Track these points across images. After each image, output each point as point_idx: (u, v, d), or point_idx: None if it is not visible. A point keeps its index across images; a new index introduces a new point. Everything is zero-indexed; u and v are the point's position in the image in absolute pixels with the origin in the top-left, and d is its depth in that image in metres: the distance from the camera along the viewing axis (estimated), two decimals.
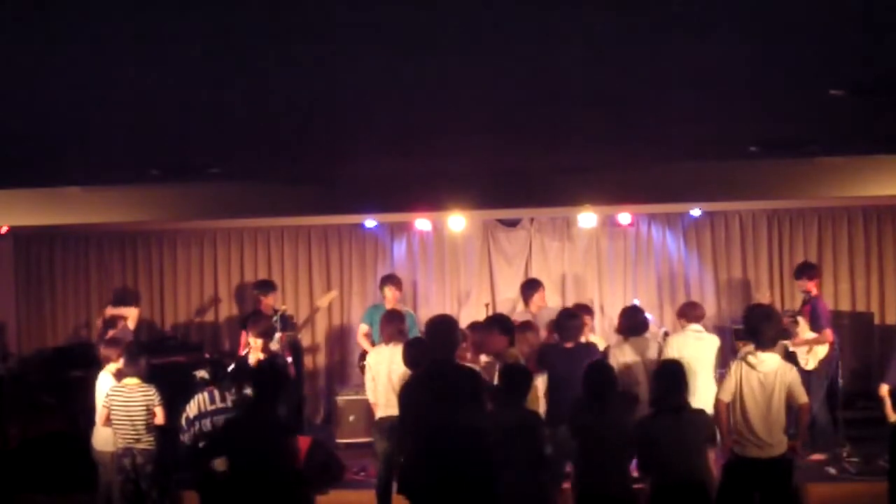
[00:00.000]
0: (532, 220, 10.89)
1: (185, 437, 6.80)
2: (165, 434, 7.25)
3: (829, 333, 8.57)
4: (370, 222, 10.66)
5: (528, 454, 5.81)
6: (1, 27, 3.08)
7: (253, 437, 5.87)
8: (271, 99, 4.42)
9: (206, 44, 3.37)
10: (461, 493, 5.40)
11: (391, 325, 7.48)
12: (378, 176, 7.77)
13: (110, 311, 9.35)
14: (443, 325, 5.95)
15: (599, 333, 9.52)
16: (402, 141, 5.91)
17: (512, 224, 10.94)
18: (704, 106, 4.91)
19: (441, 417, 5.46)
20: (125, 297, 10.35)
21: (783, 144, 6.26)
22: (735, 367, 6.30)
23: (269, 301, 9.54)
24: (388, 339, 7.40)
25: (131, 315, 9.15)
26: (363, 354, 8.84)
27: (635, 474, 6.37)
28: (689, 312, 7.84)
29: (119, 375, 7.27)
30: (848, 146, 6.89)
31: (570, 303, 9.58)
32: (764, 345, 6.25)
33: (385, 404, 7.23)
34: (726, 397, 6.28)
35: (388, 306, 8.74)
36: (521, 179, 7.90)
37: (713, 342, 7.62)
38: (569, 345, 7.28)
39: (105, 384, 7.33)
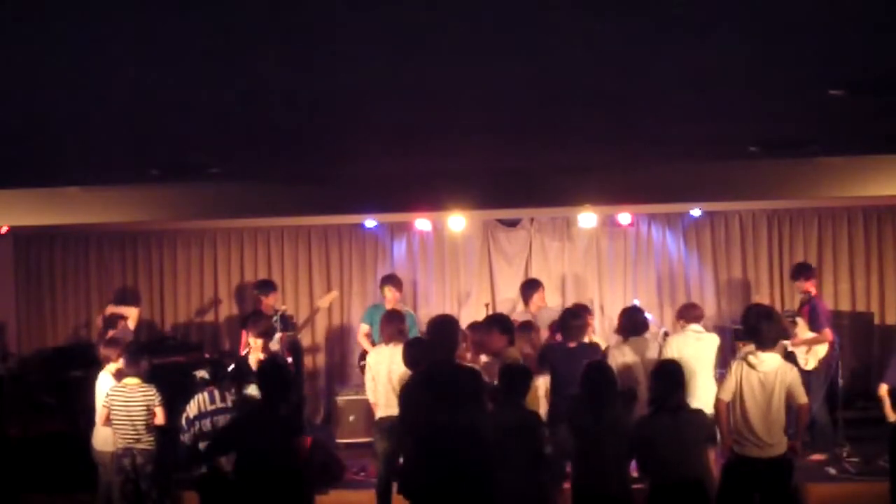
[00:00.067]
0: (532, 220, 10.89)
1: (185, 437, 6.80)
2: (165, 434, 7.25)
3: (828, 333, 8.58)
4: (370, 222, 10.66)
5: (527, 454, 5.81)
6: (1, 27, 3.08)
7: (261, 437, 5.85)
8: (271, 99, 4.42)
9: (206, 44, 3.37)
10: (461, 493, 5.40)
11: (391, 325, 7.49)
12: (378, 176, 7.77)
13: (111, 309, 9.35)
14: (444, 325, 5.96)
15: (599, 333, 9.52)
16: (402, 141, 5.91)
17: (512, 224, 10.94)
18: (704, 106, 4.91)
19: (441, 417, 5.46)
20: (126, 297, 10.37)
21: (783, 144, 6.26)
22: (735, 366, 6.31)
23: (270, 301, 9.54)
24: (388, 339, 7.41)
25: (132, 315, 9.15)
26: (363, 354, 8.84)
27: (635, 474, 6.38)
28: (688, 313, 7.85)
29: (119, 375, 7.27)
30: (848, 146, 6.89)
31: (569, 303, 9.58)
32: (764, 344, 6.25)
33: (385, 404, 7.23)
34: (726, 397, 6.28)
35: (388, 306, 8.74)
36: (521, 179, 7.90)
37: (713, 341, 7.63)
38: (572, 344, 7.29)
39: (105, 384, 7.33)
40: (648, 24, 3.25)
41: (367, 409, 8.11)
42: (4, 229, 9.73)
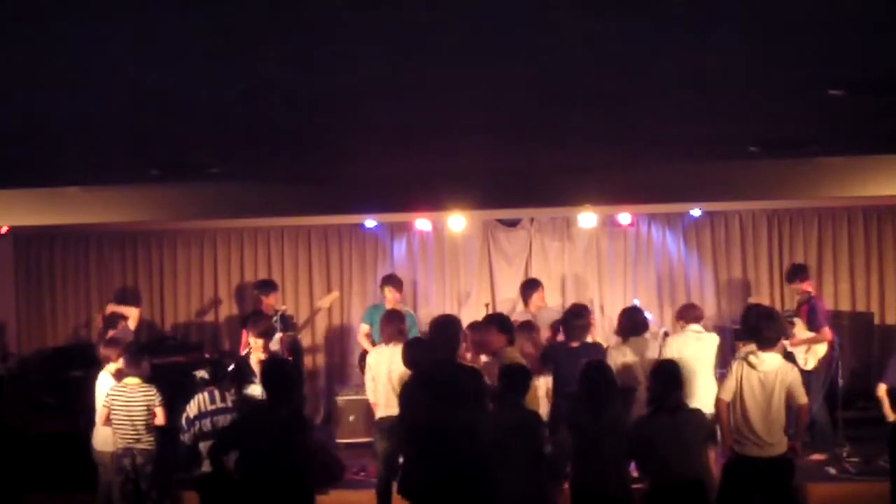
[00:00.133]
0: (532, 220, 10.89)
1: (186, 437, 6.80)
2: (165, 434, 7.25)
3: (826, 332, 8.58)
4: (370, 222, 10.66)
5: (527, 454, 5.81)
6: (1, 27, 3.08)
7: (265, 437, 5.82)
8: (271, 99, 4.42)
9: (206, 44, 3.37)
10: (460, 493, 5.40)
11: (391, 325, 7.49)
12: (378, 176, 7.77)
13: (111, 308, 9.35)
14: (446, 325, 5.97)
15: (599, 334, 9.52)
16: (402, 141, 5.91)
17: (512, 224, 10.94)
18: (704, 106, 4.91)
19: (441, 417, 5.46)
20: (126, 297, 10.37)
21: (783, 144, 6.26)
22: (736, 366, 6.32)
23: (270, 301, 9.53)
24: (388, 339, 7.41)
25: (132, 315, 9.14)
26: (363, 354, 8.84)
27: (635, 474, 6.38)
28: (688, 314, 7.85)
29: (119, 375, 7.27)
30: (848, 146, 6.89)
31: (569, 303, 9.57)
32: (765, 344, 6.26)
33: (385, 404, 7.23)
34: (727, 396, 6.29)
35: (388, 307, 8.74)
36: (521, 179, 7.90)
37: (713, 341, 7.63)
38: (574, 344, 7.29)
39: (105, 384, 7.33)
40: (648, 24, 3.26)
41: (367, 409, 8.11)
42: (4, 229, 9.73)
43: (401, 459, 6.41)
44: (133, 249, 11.09)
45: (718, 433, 6.58)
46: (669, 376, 6.02)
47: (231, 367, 7.45)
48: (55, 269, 11.12)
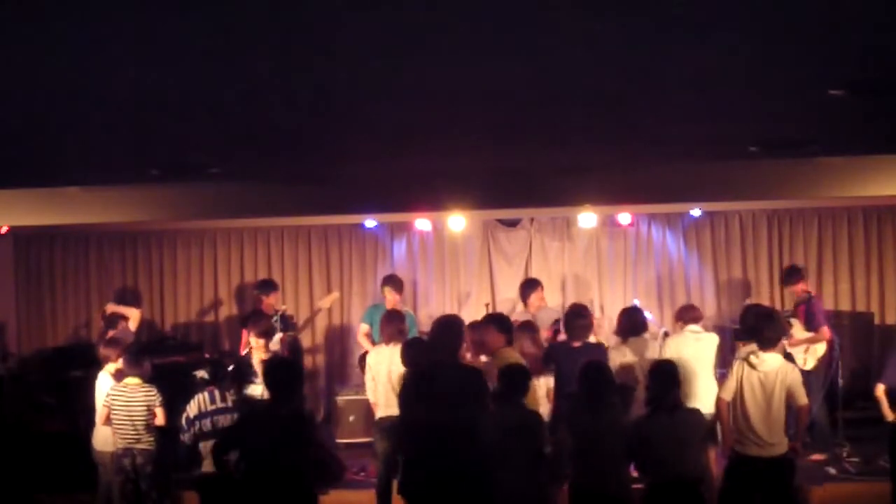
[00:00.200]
0: (532, 220, 10.89)
1: (186, 437, 6.80)
2: (165, 434, 7.25)
3: (825, 331, 8.57)
4: (370, 222, 10.66)
5: (527, 454, 5.81)
6: (1, 27, 3.08)
7: (267, 436, 5.80)
8: (271, 99, 4.42)
9: (206, 44, 3.37)
10: (460, 493, 5.40)
11: (391, 325, 7.49)
12: (378, 176, 7.76)
13: (111, 307, 9.35)
14: (448, 325, 5.98)
15: (602, 334, 9.51)
16: (402, 141, 5.91)
17: (512, 224, 10.94)
18: (704, 106, 4.91)
19: (441, 417, 5.46)
20: (126, 297, 10.37)
21: (783, 144, 6.26)
22: (736, 366, 6.32)
23: (270, 301, 9.53)
24: (388, 339, 7.41)
25: (133, 316, 9.13)
26: (363, 354, 8.84)
27: (635, 474, 6.38)
28: (686, 314, 7.85)
29: (119, 375, 7.27)
30: (848, 146, 6.89)
31: (569, 303, 9.57)
32: (765, 344, 6.26)
33: (385, 404, 7.23)
34: (727, 396, 6.29)
35: (389, 307, 8.74)
36: (521, 179, 7.90)
37: (712, 341, 7.63)
38: (576, 344, 7.29)
39: (105, 384, 7.33)
40: (648, 24, 3.25)
41: (367, 409, 8.11)
42: (4, 229, 9.73)
43: (401, 459, 6.40)
44: (133, 249, 11.09)
45: (719, 433, 6.59)
46: (667, 376, 6.02)
47: (231, 367, 7.45)
48: (55, 269, 11.12)
